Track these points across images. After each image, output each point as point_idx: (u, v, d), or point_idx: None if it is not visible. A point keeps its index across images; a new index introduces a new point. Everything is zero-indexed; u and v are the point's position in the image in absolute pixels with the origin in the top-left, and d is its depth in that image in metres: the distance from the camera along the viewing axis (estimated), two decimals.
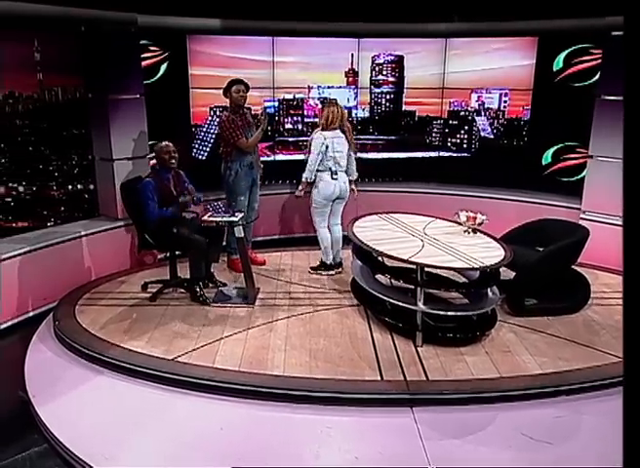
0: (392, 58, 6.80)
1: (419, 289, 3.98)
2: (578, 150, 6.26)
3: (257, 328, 4.32)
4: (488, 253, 4.05)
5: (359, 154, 6.96)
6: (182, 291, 4.91)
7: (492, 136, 6.75)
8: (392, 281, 4.73)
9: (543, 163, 6.51)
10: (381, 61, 6.82)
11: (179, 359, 3.85)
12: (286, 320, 4.46)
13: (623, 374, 1.32)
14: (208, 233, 4.74)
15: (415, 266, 3.94)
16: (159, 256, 5.68)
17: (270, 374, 3.67)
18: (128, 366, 3.81)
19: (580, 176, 6.25)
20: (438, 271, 4.26)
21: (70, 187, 5.35)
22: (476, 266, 3.81)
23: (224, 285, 5.05)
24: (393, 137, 7.05)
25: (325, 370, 3.72)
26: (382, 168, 7.13)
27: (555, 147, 6.42)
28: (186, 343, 4.06)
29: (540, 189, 6.42)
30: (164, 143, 4.72)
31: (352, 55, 6.75)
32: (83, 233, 5.12)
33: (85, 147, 5.41)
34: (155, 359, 3.86)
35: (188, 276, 4.81)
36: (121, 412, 3.46)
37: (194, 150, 6.44)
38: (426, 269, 4.01)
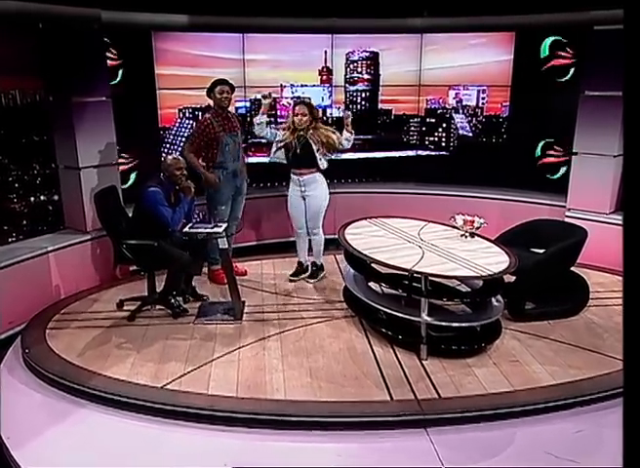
0: (367, 54, 6.58)
1: (423, 299, 3.76)
2: (556, 147, 6.18)
3: (248, 346, 4.03)
4: (491, 258, 3.88)
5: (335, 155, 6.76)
6: (161, 307, 4.56)
7: (470, 134, 6.61)
8: (383, 288, 4.53)
9: (524, 160, 6.40)
10: (356, 58, 6.58)
11: (168, 386, 3.52)
12: (278, 336, 4.18)
13: (623, 377, 1.32)
14: (189, 245, 4.42)
15: (419, 276, 3.72)
16: (131, 269, 5.31)
17: (272, 399, 3.39)
18: (112, 397, 3.46)
19: (559, 174, 6.19)
20: (440, 279, 4.04)
21: (32, 199, 4.93)
22: (484, 274, 3.61)
23: (207, 298, 4.74)
24: (369, 137, 6.83)
25: (329, 392, 3.47)
26: (359, 168, 6.91)
27: (542, 142, 6.30)
28: (175, 368, 3.73)
29: (519, 187, 6.32)
30: (173, 158, 4.40)
31: (326, 52, 6.49)
32: (50, 248, 4.70)
33: (47, 155, 4.99)
34: (142, 387, 3.52)
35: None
36: (108, 451, 3.12)
37: (163, 154, 6.05)
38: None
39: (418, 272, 3.66)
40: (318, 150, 4.84)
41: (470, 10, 5.99)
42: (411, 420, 3.26)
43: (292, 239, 6.31)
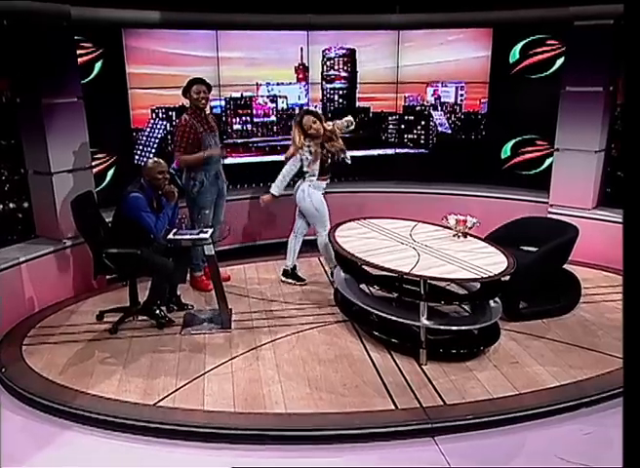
0: (344, 51, 6.45)
1: (422, 303, 3.66)
2: (538, 143, 6.18)
3: (240, 356, 3.87)
4: (488, 259, 3.81)
5: None
6: (145, 317, 4.35)
7: (449, 131, 6.56)
8: (372, 290, 4.43)
9: (502, 157, 6.40)
10: (332, 56, 6.44)
11: (161, 403, 3.34)
12: (270, 344, 4.03)
13: (623, 377, 1.39)
14: (172, 252, 4.21)
15: (418, 279, 3.61)
16: (108, 277, 5.05)
17: (272, 413, 3.24)
18: (100, 417, 3.26)
19: (539, 169, 6.19)
20: (435, 282, 3.94)
21: (1, 207, 4.63)
22: (485, 276, 3.53)
23: (192, 307, 4.54)
24: (347, 135, 6.68)
25: (331, 403, 3.33)
26: (337, 167, 6.74)
27: (514, 140, 6.31)
28: (165, 383, 3.54)
29: (500, 183, 6.30)
30: (154, 161, 4.15)
31: (302, 49, 6.33)
32: (22, 259, 4.43)
33: (16, 160, 4.68)
34: (132, 406, 3.33)
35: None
36: None
37: (136, 157, 5.81)
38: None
39: (417, 275, 3.55)
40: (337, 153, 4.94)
41: (447, 6, 5.93)
42: (418, 429, 3.15)
43: (271, 241, 6.22)
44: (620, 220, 5.25)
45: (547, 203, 5.77)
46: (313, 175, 4.84)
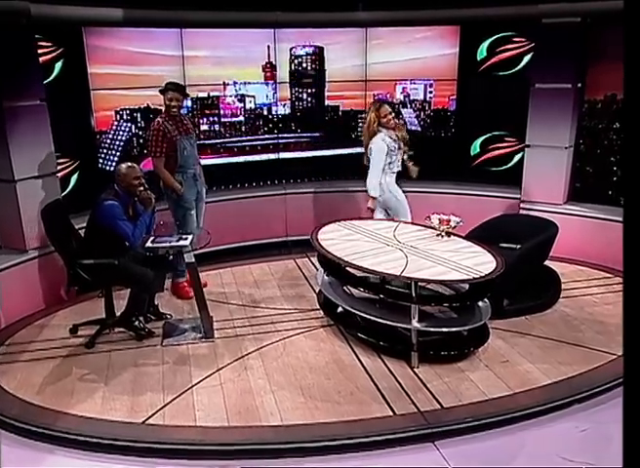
0: (312, 49, 6.36)
1: (413, 306, 3.62)
2: (506, 139, 6.23)
3: (228, 367, 3.74)
4: (476, 258, 3.78)
5: (282, 154, 6.51)
6: (122, 329, 4.17)
7: (419, 129, 6.55)
8: (353, 290, 4.37)
9: (472, 153, 6.43)
10: (300, 53, 6.35)
11: (150, 421, 3.19)
12: (257, 353, 3.92)
13: (623, 377, 1.41)
14: (150, 261, 4.04)
15: (410, 282, 3.57)
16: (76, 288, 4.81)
17: (268, 426, 3.14)
18: (86, 439, 3.08)
19: (508, 166, 6.25)
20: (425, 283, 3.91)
21: None
22: (476, 276, 3.51)
23: (170, 316, 4.38)
24: (317, 134, 6.63)
25: (327, 412, 3.25)
26: (307, 167, 6.68)
27: (483, 137, 6.35)
28: (152, 399, 3.39)
29: (469, 180, 6.34)
30: (128, 167, 3.93)
31: (269, 47, 6.21)
32: None
33: None
34: (120, 425, 3.17)
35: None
36: None
37: (100, 161, 5.57)
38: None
39: (409, 278, 3.50)
40: None
41: (414, 3, 5.91)
42: (418, 435, 3.10)
43: (245, 244, 6.08)
44: (592, 215, 5.44)
45: (519, 199, 5.83)
46: (395, 166, 4.98)
